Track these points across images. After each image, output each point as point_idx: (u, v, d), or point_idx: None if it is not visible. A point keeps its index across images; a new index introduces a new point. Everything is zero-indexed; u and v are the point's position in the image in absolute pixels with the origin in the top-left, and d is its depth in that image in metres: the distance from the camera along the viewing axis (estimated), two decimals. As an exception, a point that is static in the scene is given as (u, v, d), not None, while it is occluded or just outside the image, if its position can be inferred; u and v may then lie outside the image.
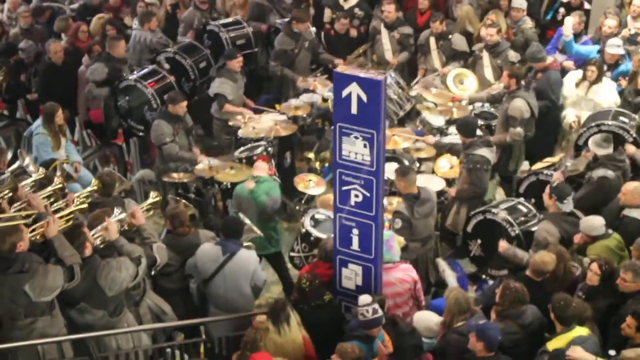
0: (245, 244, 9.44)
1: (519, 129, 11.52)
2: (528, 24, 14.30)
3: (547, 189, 9.76)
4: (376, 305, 8.03)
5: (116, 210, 8.52)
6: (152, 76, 13.20)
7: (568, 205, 9.62)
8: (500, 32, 13.41)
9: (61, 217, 8.25)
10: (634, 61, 12.44)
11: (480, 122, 12.12)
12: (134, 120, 13.12)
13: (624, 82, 12.54)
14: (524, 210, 10.39)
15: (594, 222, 9.27)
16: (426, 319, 8.58)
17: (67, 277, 7.57)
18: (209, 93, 13.21)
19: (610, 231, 9.29)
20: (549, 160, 11.50)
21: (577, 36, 13.62)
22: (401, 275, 8.88)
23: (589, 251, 9.21)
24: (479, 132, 11.35)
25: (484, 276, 10.49)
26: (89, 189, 9.42)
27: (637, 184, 9.76)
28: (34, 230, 7.82)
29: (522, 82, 11.97)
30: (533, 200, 10.59)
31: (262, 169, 10.67)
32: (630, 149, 10.84)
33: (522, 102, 11.56)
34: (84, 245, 7.83)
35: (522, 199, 10.71)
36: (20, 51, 14.38)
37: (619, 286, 8.33)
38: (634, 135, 11.18)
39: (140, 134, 13.15)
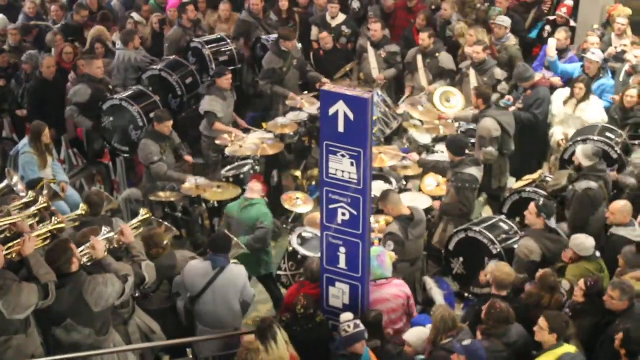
0: (232, 261, 9.44)
1: (490, 149, 11.49)
2: (512, 41, 14.37)
3: (533, 208, 9.71)
4: (358, 321, 8.07)
5: (104, 229, 8.49)
6: (138, 95, 13.16)
7: (553, 221, 9.68)
8: (486, 50, 13.44)
9: (38, 236, 8.21)
10: (634, 81, 12.48)
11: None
12: (119, 141, 13.04)
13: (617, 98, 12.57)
14: (506, 227, 10.39)
15: (586, 243, 9.24)
16: (421, 335, 8.55)
17: (41, 296, 7.52)
18: (199, 110, 13.21)
19: (597, 254, 9.28)
20: (529, 178, 11.49)
21: (562, 52, 13.70)
22: (395, 291, 8.86)
23: (568, 272, 9.20)
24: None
25: (466, 294, 10.47)
26: (77, 212, 9.39)
27: (624, 203, 9.81)
28: (10, 248, 7.78)
29: (512, 99, 11.99)
30: (517, 219, 10.56)
31: (256, 190, 10.59)
32: (612, 174, 10.90)
33: (491, 121, 11.55)
34: (71, 261, 7.79)
35: (503, 217, 10.71)
36: (26, 60, 14.29)
37: (605, 303, 8.33)
38: (619, 151, 11.23)
39: (126, 155, 13.10)
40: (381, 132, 12.96)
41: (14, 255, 7.75)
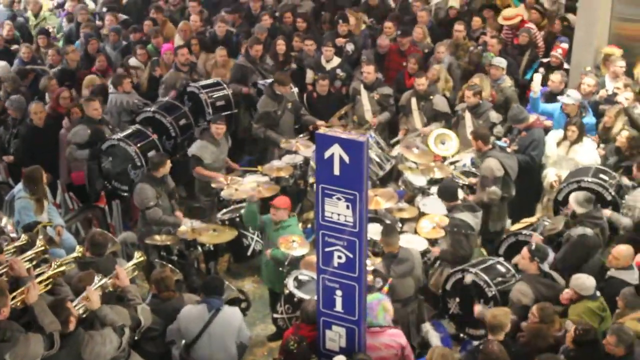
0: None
1: (494, 188, 11.55)
2: (507, 82, 14.42)
3: (526, 253, 9.69)
4: None
5: (96, 278, 8.45)
6: (136, 135, 13.23)
7: (547, 265, 9.68)
8: (478, 95, 13.44)
9: (40, 282, 8.17)
10: (607, 117, 12.59)
11: (463, 182, 12.22)
12: (118, 181, 13.10)
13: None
14: (502, 270, 10.31)
15: (586, 282, 9.24)
16: None
17: (47, 345, 7.48)
18: (187, 152, 13.27)
19: (598, 294, 9.27)
20: (527, 221, 11.49)
21: (558, 94, 13.74)
22: (387, 340, 8.79)
23: (571, 311, 9.19)
24: (461, 194, 11.41)
25: (461, 335, 10.45)
26: (73, 255, 9.36)
27: (627, 247, 9.77)
28: (14, 297, 7.74)
29: (508, 141, 12.01)
30: (513, 262, 10.49)
31: (280, 214, 10.97)
32: (606, 212, 10.90)
33: (494, 162, 11.61)
34: (69, 321, 7.74)
35: (501, 259, 10.65)
36: (8, 105, 14.27)
37: (605, 347, 8.29)
38: (613, 193, 11.25)
39: (125, 194, 13.12)
40: (374, 174, 12.96)
41: (18, 304, 7.72)
